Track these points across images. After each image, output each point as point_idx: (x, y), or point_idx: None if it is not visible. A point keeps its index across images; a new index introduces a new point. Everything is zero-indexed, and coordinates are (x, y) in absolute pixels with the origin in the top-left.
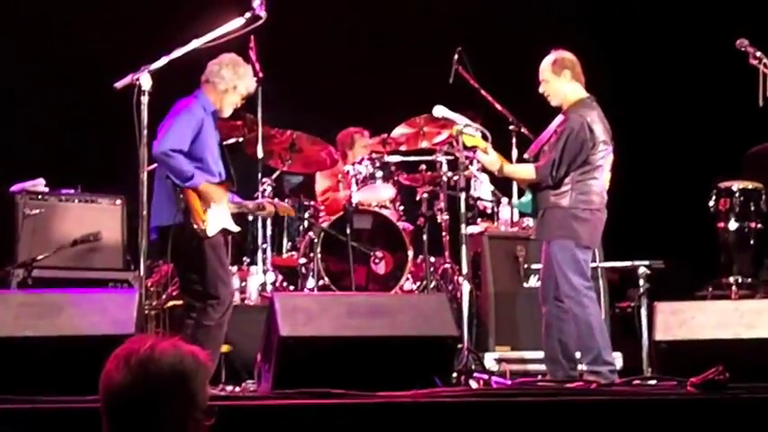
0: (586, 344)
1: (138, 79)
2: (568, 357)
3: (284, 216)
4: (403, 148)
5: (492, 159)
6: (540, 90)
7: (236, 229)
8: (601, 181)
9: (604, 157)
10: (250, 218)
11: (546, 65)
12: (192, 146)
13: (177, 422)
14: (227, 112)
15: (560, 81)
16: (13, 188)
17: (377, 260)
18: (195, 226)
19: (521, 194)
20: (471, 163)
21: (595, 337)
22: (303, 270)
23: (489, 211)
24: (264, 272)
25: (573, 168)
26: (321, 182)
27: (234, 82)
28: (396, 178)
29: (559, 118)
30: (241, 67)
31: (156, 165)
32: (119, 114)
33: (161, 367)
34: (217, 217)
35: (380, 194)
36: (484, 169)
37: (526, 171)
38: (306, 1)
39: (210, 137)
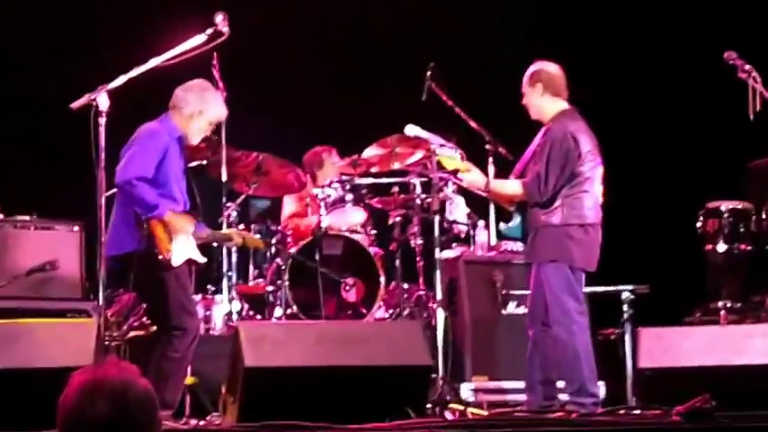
0: (571, 374)
1: (94, 99)
2: (547, 382)
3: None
4: (374, 169)
5: (476, 177)
6: (523, 102)
7: (202, 259)
8: (592, 194)
9: (592, 168)
10: (215, 244)
11: (525, 77)
12: (156, 172)
13: None
14: (193, 139)
15: (535, 94)
16: None
17: (347, 287)
18: (160, 256)
19: (508, 219)
20: (446, 185)
21: (581, 368)
22: (270, 298)
23: (465, 234)
24: (230, 300)
25: (561, 182)
26: (288, 206)
27: (199, 107)
28: (367, 201)
29: (540, 133)
30: (209, 92)
31: (115, 189)
32: (75, 137)
33: (138, 395)
34: (182, 247)
35: (351, 219)
36: (460, 191)
37: (513, 186)
38: (272, 17)
39: (175, 163)
